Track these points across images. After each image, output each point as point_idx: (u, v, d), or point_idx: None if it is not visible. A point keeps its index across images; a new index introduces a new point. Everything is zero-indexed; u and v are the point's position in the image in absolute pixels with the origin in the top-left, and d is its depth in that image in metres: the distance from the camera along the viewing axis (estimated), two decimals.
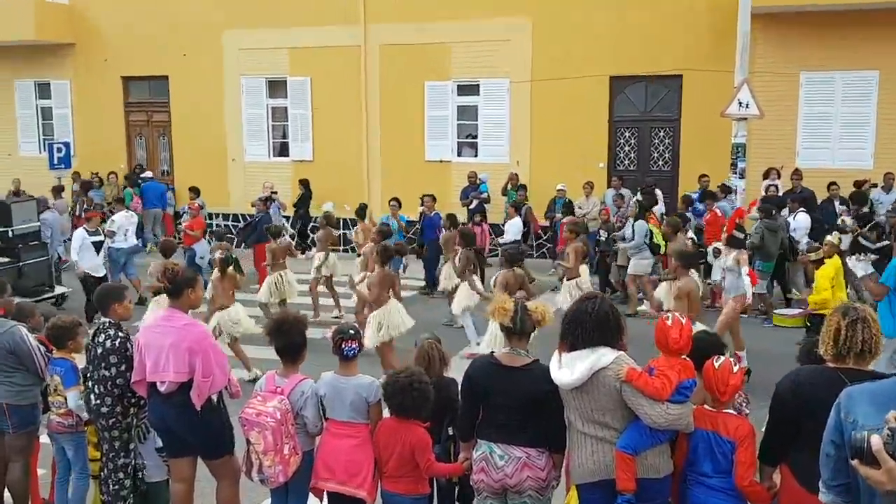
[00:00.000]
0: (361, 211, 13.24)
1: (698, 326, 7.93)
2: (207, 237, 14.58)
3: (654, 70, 15.30)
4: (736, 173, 13.62)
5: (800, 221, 12.47)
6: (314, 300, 11.93)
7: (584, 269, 10.75)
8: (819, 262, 8.61)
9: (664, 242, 11.83)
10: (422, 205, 14.12)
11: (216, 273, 9.45)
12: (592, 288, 10.68)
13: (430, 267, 13.55)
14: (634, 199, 13.23)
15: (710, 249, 10.95)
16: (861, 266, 7.76)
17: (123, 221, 13.23)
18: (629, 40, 15.34)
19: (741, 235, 10.03)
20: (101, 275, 11.98)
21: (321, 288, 12.19)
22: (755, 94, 13.14)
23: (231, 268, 9.38)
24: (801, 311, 8.61)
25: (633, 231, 12.24)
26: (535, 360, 4.42)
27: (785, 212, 12.59)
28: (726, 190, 13.57)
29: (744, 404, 4.41)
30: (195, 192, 16.88)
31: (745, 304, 9.45)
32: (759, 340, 10.10)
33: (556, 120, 15.96)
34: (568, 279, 10.53)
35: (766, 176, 13.93)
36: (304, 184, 17.25)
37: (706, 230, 12.79)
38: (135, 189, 18.03)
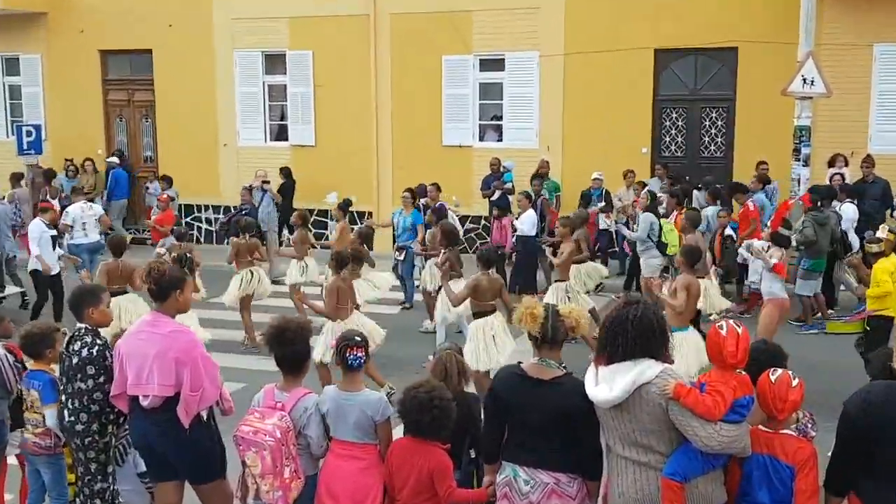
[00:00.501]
0: (345, 205, 13.30)
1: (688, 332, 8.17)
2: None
3: (705, 42, 15.20)
4: (799, 160, 13.54)
5: (846, 213, 12.41)
6: (298, 309, 11.91)
7: (578, 268, 11.02)
8: (879, 255, 8.59)
9: (676, 241, 11.75)
10: (424, 195, 14.19)
11: None
12: (583, 293, 10.86)
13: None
14: (647, 188, 13.28)
15: (741, 249, 11.01)
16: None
17: (79, 214, 13.32)
18: (677, 8, 15.25)
19: (787, 232, 10.06)
20: (54, 273, 12.09)
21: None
22: (822, 70, 13.04)
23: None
24: (856, 314, 8.64)
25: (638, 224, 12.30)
26: (567, 373, 4.42)
27: (836, 204, 12.51)
28: (764, 180, 13.53)
29: (809, 425, 4.38)
30: (167, 181, 17.05)
31: (785, 308, 9.45)
32: (811, 350, 10.04)
33: (593, 99, 15.91)
34: (557, 281, 10.69)
35: (831, 163, 13.83)
36: (286, 172, 17.32)
37: (739, 226, 12.77)
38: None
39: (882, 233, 9.05)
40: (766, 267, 9.39)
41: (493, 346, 8.42)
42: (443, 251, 10.12)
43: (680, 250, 9.36)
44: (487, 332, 8.54)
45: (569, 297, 10.30)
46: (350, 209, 13.61)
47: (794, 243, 11.30)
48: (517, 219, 13.73)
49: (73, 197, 14.63)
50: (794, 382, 4.11)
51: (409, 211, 13.37)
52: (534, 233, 13.45)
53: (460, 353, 5.25)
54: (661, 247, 11.87)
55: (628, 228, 13.00)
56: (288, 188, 16.99)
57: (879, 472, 3.78)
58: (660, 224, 11.97)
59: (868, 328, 8.65)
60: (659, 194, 13.06)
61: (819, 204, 11.90)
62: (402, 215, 13.47)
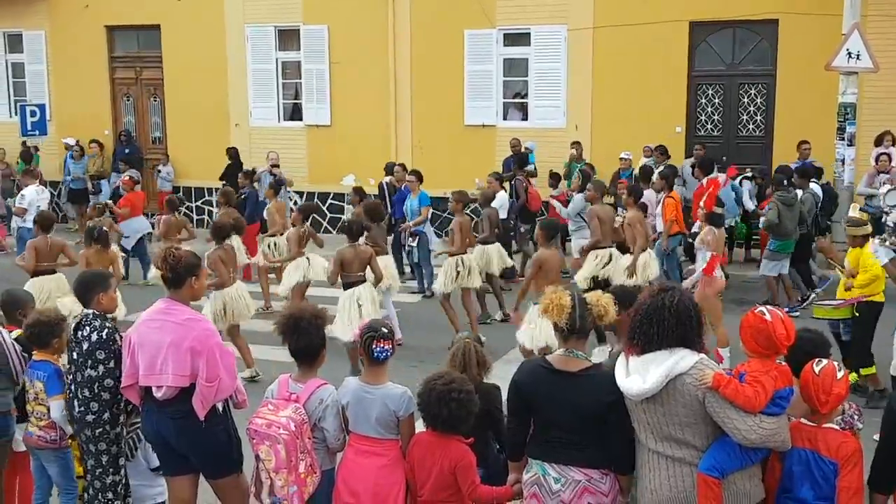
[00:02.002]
0: (277, 186, 13.62)
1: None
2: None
3: (743, 14, 15.08)
4: (843, 139, 13.43)
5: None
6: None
7: (481, 249, 11.31)
8: (866, 239, 8.68)
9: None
10: (389, 174, 14.33)
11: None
12: (474, 268, 11.01)
13: (396, 249, 13.69)
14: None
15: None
16: (884, 252, 7.88)
17: (34, 197, 13.45)
18: None
19: (721, 211, 10.32)
20: None
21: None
22: (868, 43, 12.91)
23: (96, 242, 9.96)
24: (845, 300, 8.67)
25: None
26: (595, 364, 4.42)
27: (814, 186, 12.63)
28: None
29: (856, 416, 4.36)
30: (129, 163, 17.36)
31: (719, 286, 9.67)
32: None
33: (624, 75, 15.82)
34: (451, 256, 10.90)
35: (878, 142, 13.71)
36: (232, 153, 17.48)
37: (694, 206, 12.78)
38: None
39: (854, 212, 9.14)
40: (702, 258, 9.67)
41: (359, 318, 8.81)
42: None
43: (539, 224, 9.65)
44: (354, 301, 9.18)
45: (458, 272, 10.73)
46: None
47: (761, 225, 12.11)
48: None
49: (25, 180, 14.84)
50: (840, 374, 4.10)
51: (416, 193, 13.38)
52: (504, 215, 13.55)
53: (479, 343, 5.25)
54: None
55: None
56: (233, 170, 17.11)
57: None
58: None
59: (857, 314, 8.69)
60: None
61: (785, 183, 12.04)
62: (410, 198, 13.49)
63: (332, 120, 18.06)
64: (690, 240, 11.65)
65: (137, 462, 5.64)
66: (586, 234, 11.86)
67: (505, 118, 17.15)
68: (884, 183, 12.81)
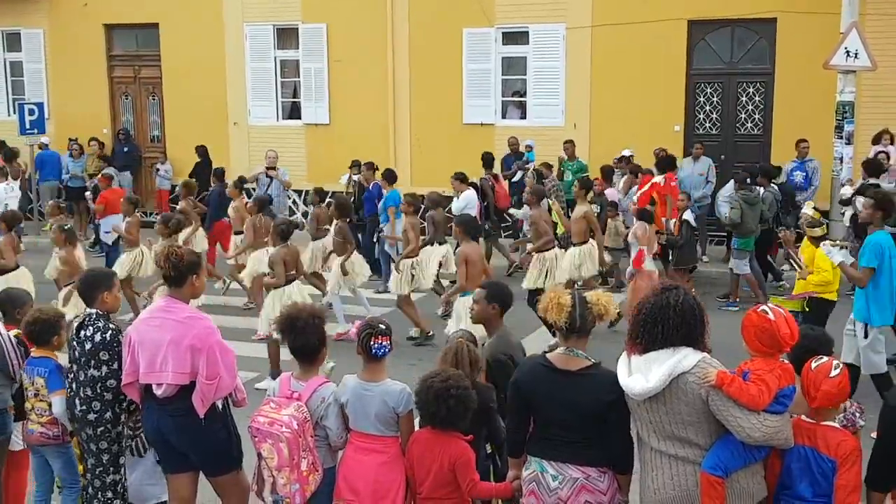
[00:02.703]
0: (241, 183, 13.70)
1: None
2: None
3: (742, 13, 15.09)
4: (841, 138, 13.44)
5: (767, 198, 12.62)
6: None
7: (431, 249, 11.45)
8: (822, 239, 8.82)
9: (559, 221, 12.40)
10: (357, 172, 14.46)
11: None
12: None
13: (368, 246, 13.93)
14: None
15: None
16: (838, 253, 7.98)
17: (2, 195, 13.48)
18: None
19: (651, 208, 10.73)
20: None
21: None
22: (866, 41, 12.91)
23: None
24: (800, 294, 8.77)
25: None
26: (596, 363, 4.42)
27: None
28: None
29: (857, 415, 4.36)
30: (106, 161, 17.43)
31: (654, 279, 9.80)
32: (729, 329, 10.03)
33: (622, 74, 15.83)
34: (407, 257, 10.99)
35: (876, 140, 13.72)
36: (201, 151, 17.60)
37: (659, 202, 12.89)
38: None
39: (809, 210, 9.29)
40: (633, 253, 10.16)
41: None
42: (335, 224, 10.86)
43: (455, 220, 9.83)
44: (285, 301, 9.17)
45: (413, 275, 10.89)
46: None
47: (724, 223, 12.67)
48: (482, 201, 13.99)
49: None
50: (834, 373, 4.11)
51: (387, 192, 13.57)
52: (474, 213, 13.45)
53: (473, 342, 5.25)
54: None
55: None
56: (203, 168, 17.21)
57: None
58: (548, 204, 12.69)
59: (808, 308, 8.79)
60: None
61: (747, 181, 12.30)
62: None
63: (331, 118, 18.05)
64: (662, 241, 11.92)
65: (146, 458, 5.63)
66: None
67: (504, 117, 17.15)
68: (843, 184, 13.10)
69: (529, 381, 4.47)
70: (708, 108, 16.02)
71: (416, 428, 4.88)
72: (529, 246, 11.45)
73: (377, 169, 14.47)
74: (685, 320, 4.08)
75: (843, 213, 12.86)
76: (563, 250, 11.13)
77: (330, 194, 14.12)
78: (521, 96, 17.07)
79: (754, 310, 4.20)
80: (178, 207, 13.54)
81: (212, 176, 15.60)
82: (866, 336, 7.85)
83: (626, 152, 14.95)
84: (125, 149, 19.06)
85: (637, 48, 15.61)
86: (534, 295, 10.46)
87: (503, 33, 16.82)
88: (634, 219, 11.06)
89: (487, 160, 14.89)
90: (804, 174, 13.74)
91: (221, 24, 18.54)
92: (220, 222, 13.70)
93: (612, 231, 13.18)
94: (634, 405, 4.18)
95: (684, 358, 4.02)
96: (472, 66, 16.99)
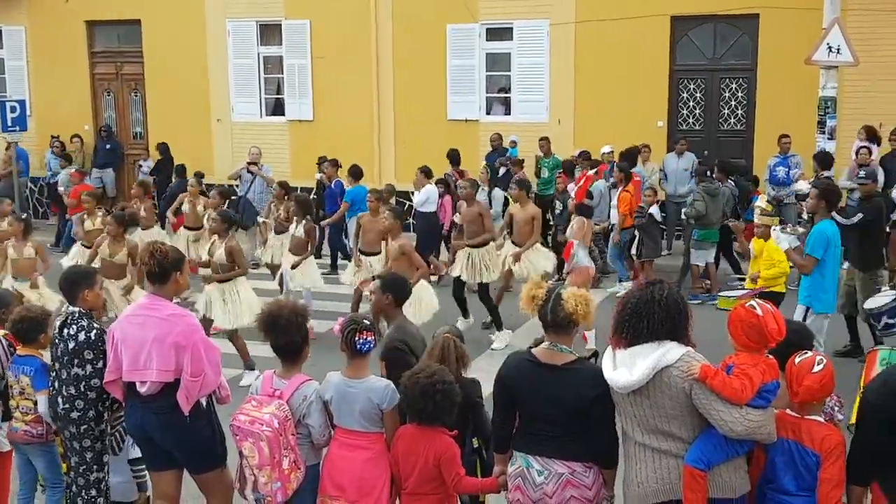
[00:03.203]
0: (200, 178, 13.85)
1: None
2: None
3: (724, 8, 15.13)
4: (823, 133, 13.49)
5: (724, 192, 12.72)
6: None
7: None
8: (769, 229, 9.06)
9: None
10: (320, 171, 14.61)
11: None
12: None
13: (331, 242, 14.18)
14: (484, 163, 14.31)
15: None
16: (785, 238, 8.21)
17: None
18: None
19: (591, 202, 10.85)
20: None
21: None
22: (848, 37, 12.96)
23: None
24: (749, 290, 8.85)
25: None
26: (580, 358, 4.44)
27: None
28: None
29: (836, 409, 4.39)
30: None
31: (590, 276, 10.11)
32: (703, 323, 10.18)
33: (606, 70, 15.84)
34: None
35: (871, 134, 13.77)
36: (162, 148, 17.67)
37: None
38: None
39: (762, 201, 9.41)
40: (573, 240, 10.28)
41: (230, 309, 9.42)
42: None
43: (389, 213, 9.93)
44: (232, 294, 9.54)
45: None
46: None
47: (683, 216, 12.84)
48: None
49: None
50: (817, 368, 4.13)
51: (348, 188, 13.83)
52: (433, 209, 13.67)
53: (460, 338, 5.26)
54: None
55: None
56: (165, 165, 17.31)
57: None
58: (506, 198, 12.97)
59: None
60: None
61: (707, 174, 12.54)
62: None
63: (315, 115, 18.00)
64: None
65: (125, 457, 5.62)
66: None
67: (488, 113, 17.15)
68: (796, 179, 13.31)
69: (514, 377, 4.48)
70: (691, 103, 16.06)
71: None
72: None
73: (340, 166, 14.57)
74: (670, 314, 4.10)
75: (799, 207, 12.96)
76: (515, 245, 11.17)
77: (297, 191, 14.13)
78: (506, 92, 17.06)
79: (742, 304, 4.21)
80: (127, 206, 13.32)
81: (173, 172, 15.69)
82: (804, 320, 7.98)
83: (607, 148, 14.97)
84: (107, 145, 18.97)
85: (620, 44, 15.63)
86: (484, 288, 10.75)
87: (487, 29, 16.80)
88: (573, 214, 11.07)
89: (453, 157, 14.96)
90: (787, 169, 13.80)
91: (203, 20, 18.45)
92: (181, 218, 13.73)
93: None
94: (619, 399, 4.20)
95: (668, 352, 4.04)
96: (456, 62, 16.98)
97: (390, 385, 4.83)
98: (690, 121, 16.11)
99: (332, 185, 14.36)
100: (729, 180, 13.04)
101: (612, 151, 14.94)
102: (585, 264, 10.33)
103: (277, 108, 18.53)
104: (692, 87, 15.99)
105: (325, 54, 17.62)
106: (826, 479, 4.02)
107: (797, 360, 4.19)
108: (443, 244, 14.00)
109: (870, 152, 13.27)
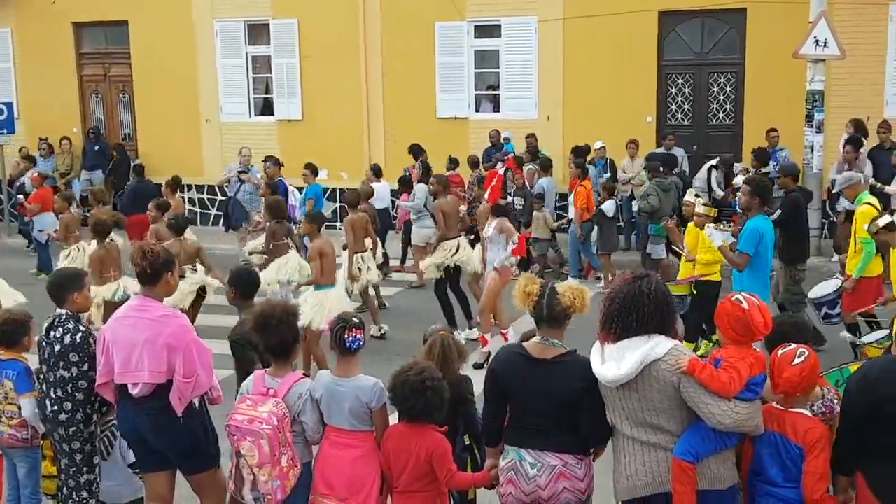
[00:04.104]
0: (175, 183, 13.76)
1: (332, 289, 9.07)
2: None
3: (711, 3, 15.16)
4: (811, 126, 13.54)
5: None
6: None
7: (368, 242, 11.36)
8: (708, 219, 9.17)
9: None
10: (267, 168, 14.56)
11: None
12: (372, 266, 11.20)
13: None
14: (420, 160, 14.46)
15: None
16: (719, 235, 8.24)
17: None
18: None
19: (504, 202, 10.65)
20: None
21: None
22: (835, 30, 13.02)
23: None
24: (686, 279, 8.92)
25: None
26: (569, 351, 4.46)
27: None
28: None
29: (835, 401, 4.37)
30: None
31: (507, 275, 10.02)
32: None
33: (594, 66, 15.87)
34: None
35: (859, 128, 13.83)
36: (118, 150, 17.79)
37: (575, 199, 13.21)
38: None
39: (690, 196, 9.52)
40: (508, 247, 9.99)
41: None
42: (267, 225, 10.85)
43: (308, 217, 10.00)
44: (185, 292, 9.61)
45: (359, 269, 10.93)
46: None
47: (635, 209, 13.14)
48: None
49: None
50: (797, 360, 4.15)
51: (308, 185, 13.89)
52: (384, 206, 13.92)
53: (451, 334, 5.29)
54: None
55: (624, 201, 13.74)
56: (121, 165, 17.56)
57: (882, 449, 3.85)
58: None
59: (695, 292, 9.04)
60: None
61: (661, 169, 12.61)
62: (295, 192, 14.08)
63: (304, 114, 17.98)
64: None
65: (115, 460, 5.61)
66: (429, 223, 12.57)
67: (477, 110, 17.16)
68: (737, 173, 13.31)
69: (506, 371, 4.51)
70: (680, 98, 16.10)
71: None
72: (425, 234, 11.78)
73: (282, 165, 14.74)
74: (658, 308, 4.13)
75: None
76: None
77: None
78: (495, 89, 17.08)
79: (728, 299, 4.24)
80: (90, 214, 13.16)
81: (131, 172, 15.74)
82: None
83: (598, 144, 15.02)
84: (96, 147, 18.89)
85: (608, 40, 15.66)
86: (441, 284, 10.78)
87: (475, 27, 16.81)
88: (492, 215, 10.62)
89: (415, 151, 15.10)
90: (775, 163, 13.84)
91: (191, 21, 18.41)
92: (134, 217, 13.67)
93: (539, 222, 13.45)
94: (608, 392, 4.22)
95: (656, 345, 4.06)
96: (444, 59, 16.98)
97: (378, 383, 4.85)
98: (679, 116, 16.15)
99: (277, 183, 14.34)
100: (673, 174, 13.19)
101: (604, 147, 15.00)
102: (508, 264, 10.03)
103: (266, 108, 18.51)
104: (680, 82, 16.03)
105: (313, 53, 17.60)
106: (810, 472, 4.05)
107: (779, 352, 4.22)
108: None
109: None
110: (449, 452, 4.69)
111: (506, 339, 9.29)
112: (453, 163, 14.76)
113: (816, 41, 13.01)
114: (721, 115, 15.98)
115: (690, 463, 4.01)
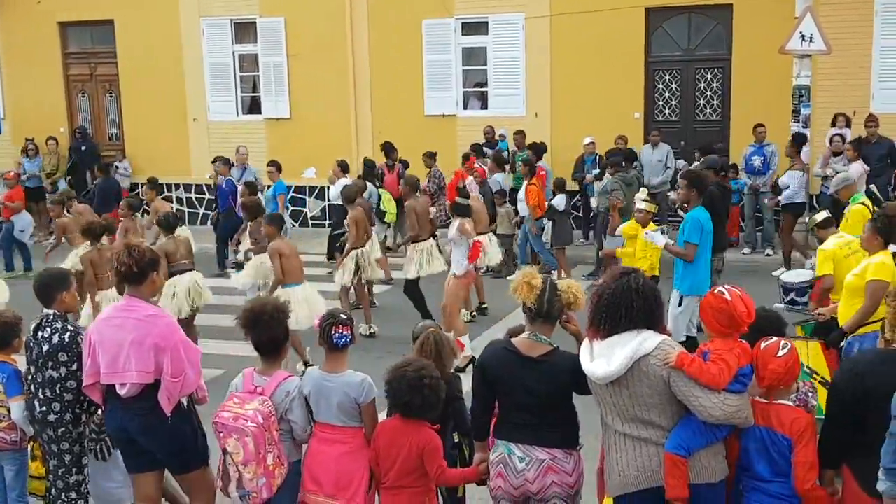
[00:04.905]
0: (154, 183, 13.68)
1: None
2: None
3: None
4: (798, 121, 13.59)
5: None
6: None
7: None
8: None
9: (394, 209, 13.37)
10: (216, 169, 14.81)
11: None
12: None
13: (221, 244, 14.35)
14: (364, 159, 14.73)
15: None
16: (659, 237, 8.42)
17: None
18: None
19: (465, 202, 10.58)
20: None
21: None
22: (821, 25, 13.06)
23: None
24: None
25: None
26: (555, 348, 4.46)
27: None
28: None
29: (810, 394, 4.42)
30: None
31: (471, 277, 10.07)
32: None
33: (582, 63, 15.89)
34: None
35: (834, 123, 13.91)
36: (72, 158, 17.89)
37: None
38: None
39: (640, 203, 9.54)
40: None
41: (187, 301, 9.36)
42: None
43: (266, 219, 10.03)
44: (183, 287, 9.45)
45: (358, 265, 10.88)
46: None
47: (595, 204, 13.42)
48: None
49: None
50: (781, 352, 4.17)
51: (273, 182, 14.08)
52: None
53: (442, 331, 5.29)
54: (381, 214, 13.59)
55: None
56: (77, 166, 17.95)
57: (869, 442, 3.87)
58: (379, 194, 13.46)
59: None
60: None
61: (623, 164, 12.82)
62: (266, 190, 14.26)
63: (292, 113, 17.95)
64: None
65: (115, 462, 5.58)
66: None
67: (465, 107, 17.16)
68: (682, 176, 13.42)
69: (494, 366, 4.52)
70: (667, 94, 16.13)
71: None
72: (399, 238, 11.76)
73: (233, 165, 14.84)
74: (647, 303, 4.13)
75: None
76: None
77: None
78: (482, 87, 17.08)
79: (711, 291, 4.25)
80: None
81: (96, 169, 15.96)
82: (680, 304, 8.19)
83: (587, 140, 15.05)
84: (83, 147, 18.85)
85: (596, 36, 15.68)
86: (412, 285, 10.74)
87: (462, 24, 16.81)
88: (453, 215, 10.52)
89: (386, 149, 15.16)
90: (762, 158, 13.90)
91: (177, 19, 18.36)
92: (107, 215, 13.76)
93: (503, 218, 13.53)
94: (598, 389, 4.22)
95: (645, 340, 4.06)
96: (432, 57, 16.98)
97: (367, 379, 4.85)
98: (667, 111, 16.18)
99: (224, 185, 14.46)
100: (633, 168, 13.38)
101: (594, 143, 15.02)
102: (470, 267, 9.93)
103: (254, 107, 18.48)
104: (668, 77, 16.07)
105: (300, 51, 17.57)
106: (800, 462, 4.06)
107: (762, 345, 4.22)
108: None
109: (843, 140, 13.39)
110: (440, 449, 4.69)
111: (461, 347, 9.04)
112: (431, 157, 14.90)
113: (802, 36, 13.04)
114: (708, 110, 16.01)
115: (682, 457, 4.01)
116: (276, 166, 14.07)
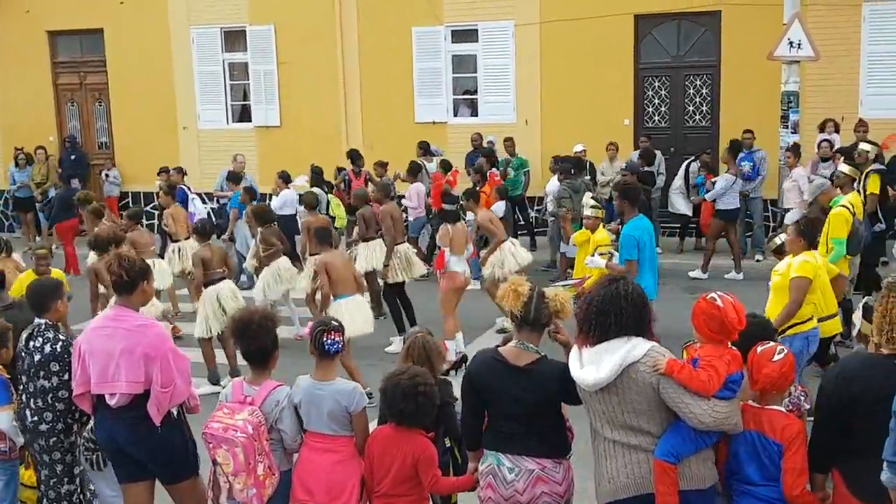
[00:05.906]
0: (170, 189, 13.63)
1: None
2: None
3: (687, 6, 15.26)
4: (787, 127, 13.65)
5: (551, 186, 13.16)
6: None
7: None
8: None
9: (343, 214, 13.55)
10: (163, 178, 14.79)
11: None
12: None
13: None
14: (312, 166, 14.54)
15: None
16: (598, 260, 8.55)
17: None
18: None
19: (452, 207, 10.67)
20: None
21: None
22: (809, 32, 13.12)
23: None
24: (579, 279, 9.05)
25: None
26: (542, 356, 4.46)
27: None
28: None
29: (802, 398, 4.45)
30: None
31: (459, 282, 10.01)
32: None
33: (571, 70, 15.93)
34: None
35: (822, 129, 13.96)
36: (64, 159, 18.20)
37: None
38: None
39: (588, 210, 9.58)
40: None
41: (221, 312, 9.14)
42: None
43: (315, 234, 9.89)
44: (214, 299, 9.34)
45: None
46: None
47: (549, 209, 13.62)
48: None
49: None
50: (776, 357, 4.20)
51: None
52: (291, 212, 13.94)
53: (431, 336, 5.29)
54: (331, 220, 13.12)
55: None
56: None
57: (858, 447, 3.90)
58: (328, 199, 13.61)
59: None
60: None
61: (572, 172, 13.02)
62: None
63: (282, 120, 17.96)
64: None
65: (110, 472, 5.58)
66: None
67: (455, 115, 17.19)
68: (624, 173, 13.66)
69: (482, 375, 4.51)
70: (657, 101, 16.19)
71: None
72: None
73: (186, 174, 15.01)
74: (636, 309, 4.14)
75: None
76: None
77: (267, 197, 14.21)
78: (472, 94, 17.12)
79: (703, 297, 4.27)
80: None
81: (57, 180, 16.27)
82: None
83: (578, 147, 15.07)
84: (73, 156, 18.81)
85: (585, 44, 15.73)
86: (390, 291, 10.80)
87: (452, 31, 16.84)
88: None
89: (353, 156, 15.23)
90: (752, 164, 13.94)
91: (167, 28, 18.35)
92: (62, 223, 14.04)
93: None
94: (587, 396, 4.22)
95: (634, 347, 4.07)
96: (422, 64, 17.01)
97: (358, 387, 4.86)
98: (656, 118, 16.24)
99: (179, 192, 14.24)
100: (585, 176, 13.56)
101: (584, 150, 15.04)
102: (453, 269, 9.99)
103: (244, 115, 18.46)
104: (657, 84, 16.12)
105: (290, 59, 17.58)
106: (790, 468, 4.08)
107: (758, 349, 4.25)
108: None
109: (831, 145, 13.44)
110: (435, 458, 4.69)
111: (446, 350, 9.08)
112: (382, 166, 14.88)
113: (791, 43, 13.10)
114: (697, 116, 16.07)
115: (672, 464, 4.01)
116: (234, 179, 14.19)
